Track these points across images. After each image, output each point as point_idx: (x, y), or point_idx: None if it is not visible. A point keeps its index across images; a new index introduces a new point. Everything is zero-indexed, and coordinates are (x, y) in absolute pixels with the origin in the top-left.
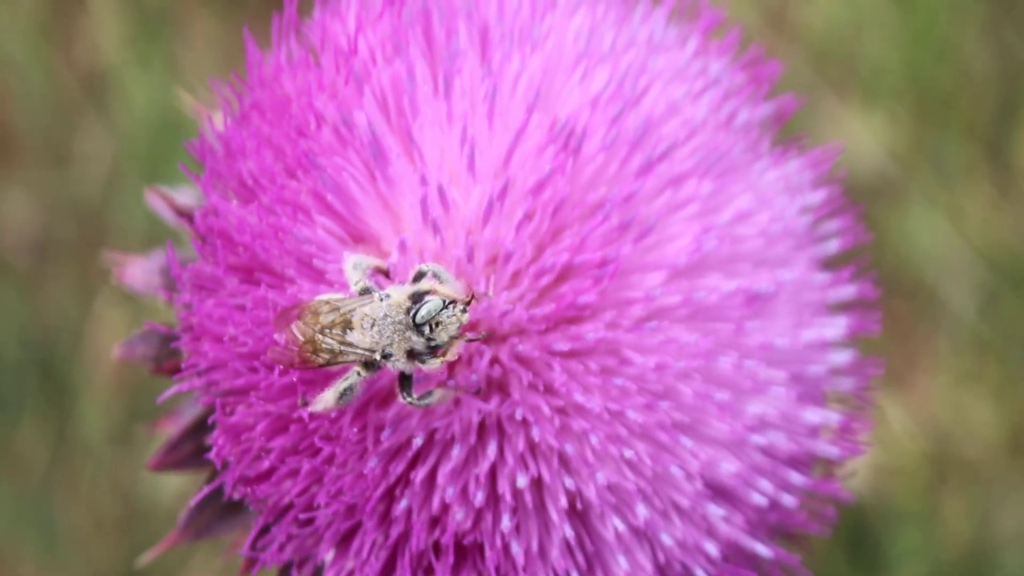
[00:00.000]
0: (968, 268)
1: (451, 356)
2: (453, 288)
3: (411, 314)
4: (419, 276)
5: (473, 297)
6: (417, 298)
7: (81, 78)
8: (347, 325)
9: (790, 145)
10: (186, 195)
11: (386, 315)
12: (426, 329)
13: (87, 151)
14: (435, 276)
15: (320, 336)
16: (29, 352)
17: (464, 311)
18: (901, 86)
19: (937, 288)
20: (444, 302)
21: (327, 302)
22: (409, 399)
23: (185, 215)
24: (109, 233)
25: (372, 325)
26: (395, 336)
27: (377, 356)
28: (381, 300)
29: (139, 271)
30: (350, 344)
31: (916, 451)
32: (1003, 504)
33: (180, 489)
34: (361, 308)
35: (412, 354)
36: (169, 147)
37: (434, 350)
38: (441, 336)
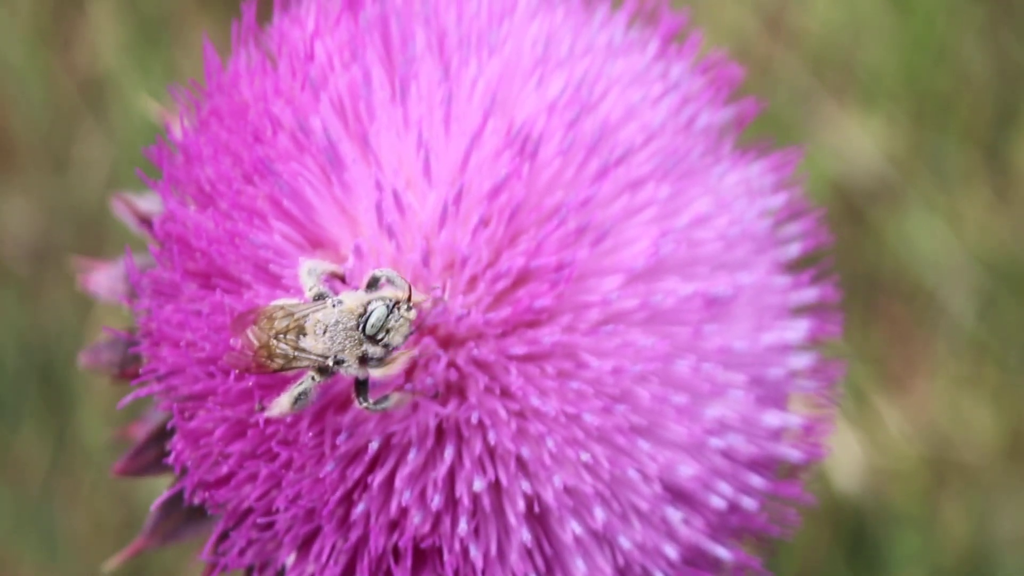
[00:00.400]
0: (967, 272)
1: (396, 368)
2: (403, 290)
3: (361, 326)
4: (373, 282)
5: (415, 297)
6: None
7: (80, 84)
8: (301, 331)
9: (751, 149)
10: (150, 202)
11: (338, 321)
12: (379, 335)
13: (86, 157)
14: (389, 281)
15: (274, 341)
16: (29, 358)
17: (410, 309)
18: (899, 90)
19: (936, 292)
20: (387, 305)
21: (282, 307)
22: (365, 404)
23: (147, 221)
24: (108, 239)
25: (324, 331)
26: (347, 342)
27: (330, 362)
28: (333, 306)
29: (104, 278)
30: (303, 350)
31: (915, 455)
32: (1002, 508)
33: None
34: (314, 314)
35: (364, 360)
36: None
37: (384, 357)
38: (395, 339)
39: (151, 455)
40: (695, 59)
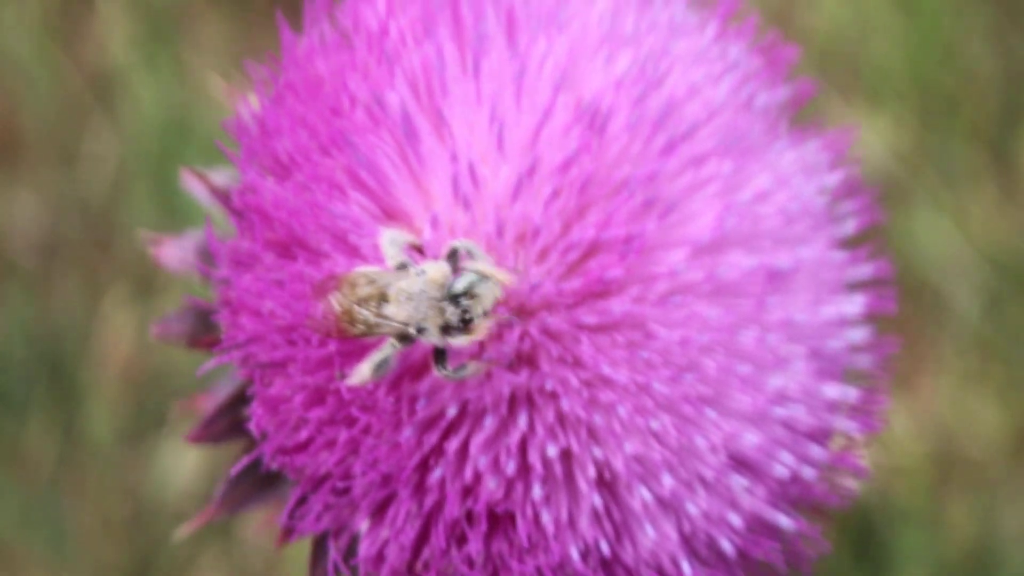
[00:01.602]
0: (973, 270)
1: (478, 335)
2: (485, 264)
3: (447, 287)
4: (452, 253)
5: (502, 276)
6: (454, 273)
7: (88, 79)
8: (383, 298)
9: (807, 127)
10: (221, 175)
11: (422, 290)
12: (462, 300)
13: (94, 152)
14: (468, 253)
15: (357, 308)
16: (36, 352)
17: (498, 285)
18: (906, 89)
19: (942, 290)
20: (479, 275)
21: (364, 275)
22: (444, 372)
23: (220, 194)
24: (116, 234)
25: (408, 299)
26: (430, 311)
27: (412, 330)
28: (417, 276)
29: (175, 250)
30: (385, 317)
31: (920, 452)
32: (1007, 505)
33: (187, 489)
34: (397, 283)
35: (446, 329)
36: (176, 149)
37: (466, 325)
38: (476, 309)
39: (222, 424)
40: (752, 40)
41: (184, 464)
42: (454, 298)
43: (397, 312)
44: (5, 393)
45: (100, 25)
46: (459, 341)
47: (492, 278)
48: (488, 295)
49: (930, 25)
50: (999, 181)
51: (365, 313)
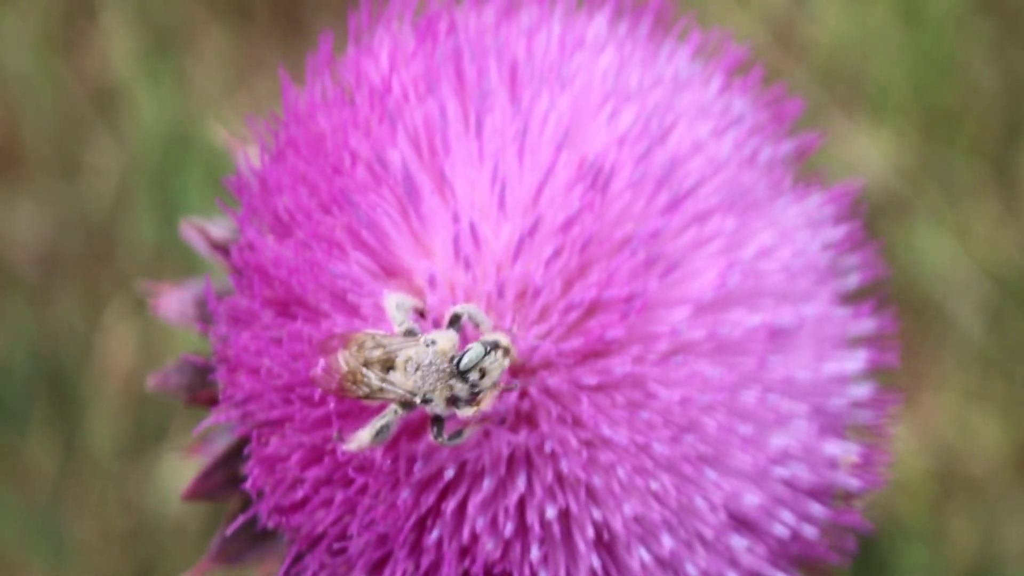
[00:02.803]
0: (974, 285)
1: (485, 406)
2: (488, 329)
3: (455, 361)
4: (455, 318)
5: (507, 345)
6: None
7: (91, 92)
8: (390, 364)
9: (812, 181)
10: (220, 227)
11: (431, 362)
12: (471, 376)
13: (96, 165)
14: (470, 318)
15: (364, 369)
16: (37, 364)
17: (506, 355)
18: (908, 103)
19: (943, 305)
20: (486, 348)
21: (373, 337)
22: (441, 439)
23: (219, 248)
24: (117, 247)
25: (416, 369)
26: (438, 383)
27: (417, 400)
28: (427, 346)
29: (175, 302)
30: (391, 383)
31: (922, 468)
32: (1009, 521)
33: (188, 504)
34: (406, 350)
35: (451, 400)
36: (178, 162)
37: (474, 396)
38: (484, 383)
39: (218, 479)
40: (756, 93)
41: (184, 477)
42: (462, 373)
43: (404, 380)
44: (6, 405)
45: (102, 38)
46: (465, 412)
47: (498, 349)
48: (496, 369)
49: (932, 40)
50: (1001, 196)
51: (371, 376)
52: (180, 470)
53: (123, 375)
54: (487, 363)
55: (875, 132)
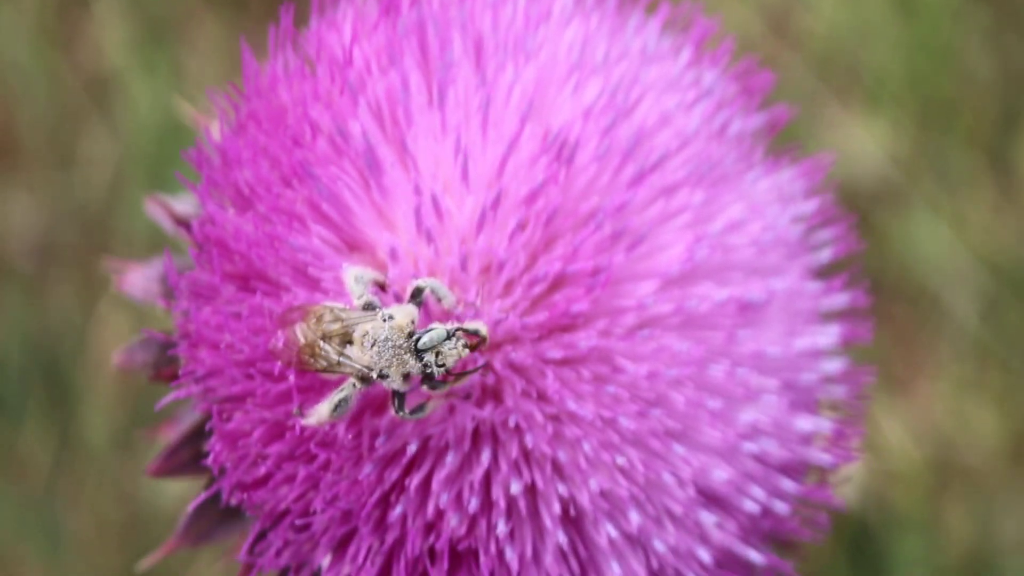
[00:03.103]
0: (970, 275)
1: (444, 390)
2: (450, 304)
3: (413, 339)
4: (416, 292)
5: (481, 340)
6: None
7: (85, 82)
8: (347, 338)
9: (783, 155)
10: (185, 203)
11: (387, 338)
12: (426, 356)
13: (91, 155)
14: (433, 292)
15: (321, 343)
16: (32, 356)
17: (466, 346)
18: (904, 93)
19: (939, 295)
20: (448, 332)
21: (331, 310)
22: (401, 413)
23: (183, 223)
24: (113, 237)
25: (372, 344)
26: (394, 359)
27: (373, 375)
28: (384, 321)
29: (139, 278)
30: (348, 357)
31: (918, 458)
32: (1005, 511)
33: (182, 494)
34: (363, 324)
35: (407, 377)
36: (173, 152)
37: (429, 378)
38: (439, 367)
39: (184, 455)
40: (727, 66)
41: None
42: (419, 352)
43: (360, 355)
44: (0, 397)
45: (97, 28)
46: (436, 391)
47: (459, 337)
48: (452, 357)
49: (928, 29)
50: (997, 185)
51: (328, 350)
52: None
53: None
54: (445, 348)
55: (871, 121)
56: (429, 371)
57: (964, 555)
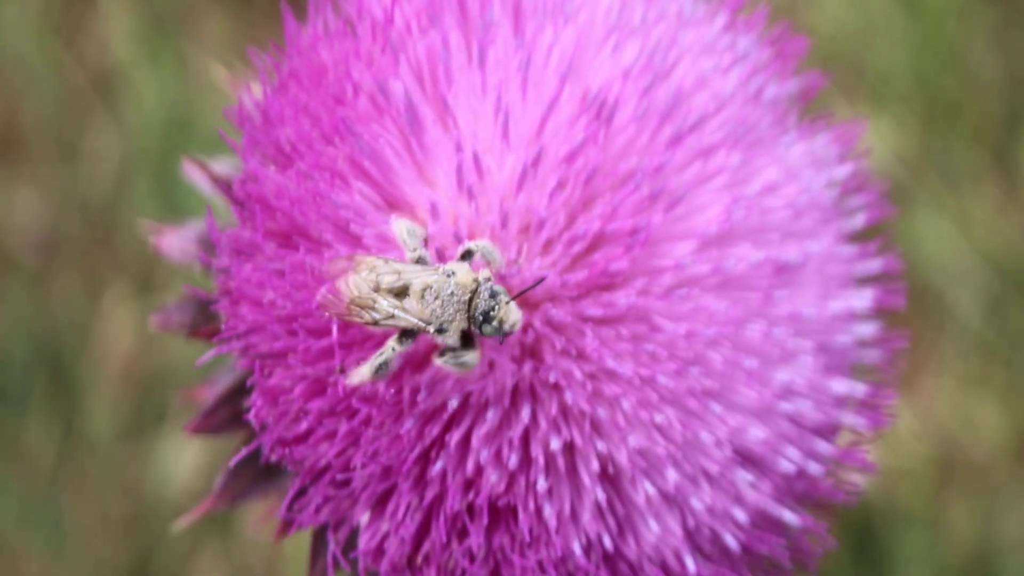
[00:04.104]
0: (974, 273)
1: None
2: (499, 267)
3: (477, 297)
4: (467, 254)
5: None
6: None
7: (90, 76)
8: (402, 291)
9: (816, 120)
10: (222, 164)
11: (452, 293)
12: (482, 317)
13: (96, 149)
14: (484, 256)
15: (374, 295)
16: (37, 349)
17: (509, 302)
18: (909, 91)
19: (943, 292)
20: (495, 292)
21: (386, 262)
22: (445, 359)
23: (221, 183)
24: (117, 231)
25: (436, 298)
26: (456, 315)
27: (431, 328)
28: (448, 276)
29: (176, 240)
30: (403, 310)
31: (922, 454)
32: (1008, 508)
33: (186, 486)
34: (424, 278)
35: (463, 332)
36: (178, 146)
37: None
38: (487, 329)
39: (223, 415)
40: (762, 31)
41: (183, 461)
42: (484, 315)
43: (420, 309)
44: (5, 390)
45: (102, 22)
46: (489, 333)
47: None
48: (514, 313)
49: (933, 28)
50: (1001, 184)
51: (384, 303)
52: (179, 454)
53: (122, 359)
54: (505, 314)
55: (876, 120)
56: (489, 326)
57: (967, 551)
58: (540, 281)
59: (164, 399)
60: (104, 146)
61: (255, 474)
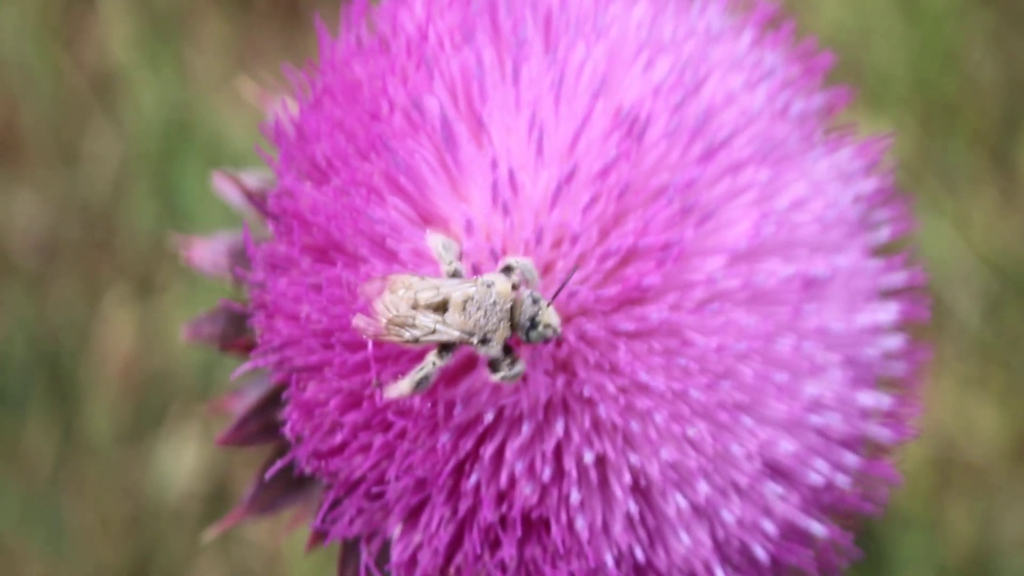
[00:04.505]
0: (973, 275)
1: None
2: (536, 286)
3: (521, 304)
4: (507, 270)
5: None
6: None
7: (90, 79)
8: (443, 306)
9: (841, 135)
10: (252, 178)
11: (495, 302)
12: (528, 323)
13: (95, 152)
14: (523, 273)
15: (414, 313)
16: (36, 351)
17: (548, 305)
18: (907, 94)
19: (942, 294)
20: (534, 299)
21: (422, 278)
22: (503, 374)
23: (254, 197)
24: (117, 234)
25: (478, 309)
26: (500, 323)
27: (474, 340)
28: (488, 287)
29: (207, 252)
30: (447, 324)
31: (920, 455)
32: (1007, 509)
33: (187, 488)
34: (464, 290)
35: (505, 342)
36: (177, 149)
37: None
38: (533, 335)
39: (253, 427)
40: (788, 47)
41: (183, 463)
42: (531, 320)
43: (462, 321)
44: (5, 392)
45: (101, 25)
46: (534, 338)
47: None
48: (554, 318)
49: (931, 30)
50: (1000, 186)
51: (424, 320)
52: (179, 456)
53: (121, 362)
54: (547, 317)
55: (875, 122)
56: (536, 331)
57: (966, 553)
58: (574, 271)
59: (163, 401)
60: (103, 149)
61: (285, 485)
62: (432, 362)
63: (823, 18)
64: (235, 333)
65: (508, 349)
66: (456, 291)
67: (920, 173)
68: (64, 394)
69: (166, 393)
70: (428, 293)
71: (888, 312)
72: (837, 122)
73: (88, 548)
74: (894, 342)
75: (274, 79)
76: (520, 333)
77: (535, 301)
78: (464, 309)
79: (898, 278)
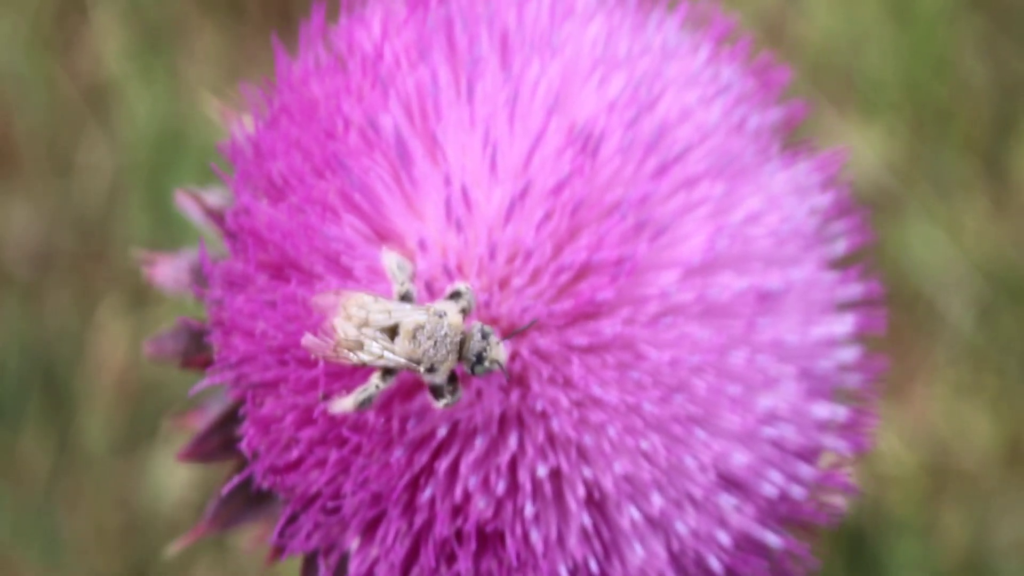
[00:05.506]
0: (966, 280)
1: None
2: (470, 310)
3: (470, 339)
4: (455, 295)
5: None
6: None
7: (83, 89)
8: (393, 330)
9: (799, 149)
10: (215, 195)
11: (446, 334)
12: (475, 358)
13: (89, 162)
14: (467, 304)
15: (365, 338)
16: (31, 362)
17: (498, 343)
18: (899, 100)
19: (935, 300)
20: (483, 333)
21: (376, 300)
22: (445, 402)
23: (214, 215)
24: (110, 245)
25: (429, 338)
26: (449, 355)
27: (421, 368)
28: (440, 317)
29: (170, 270)
30: (393, 352)
31: (914, 462)
32: (1001, 515)
33: (181, 498)
34: (415, 317)
35: (451, 376)
36: (171, 159)
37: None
38: (478, 369)
39: (214, 442)
40: (745, 62)
41: (178, 474)
42: (477, 356)
43: (411, 349)
44: None
45: (94, 36)
46: (480, 371)
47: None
48: (501, 351)
49: (923, 36)
50: (991, 192)
51: (375, 345)
52: (173, 467)
53: (116, 372)
54: (495, 353)
55: (866, 128)
56: (481, 367)
57: (960, 559)
58: (532, 324)
59: (158, 412)
60: (97, 159)
61: (246, 500)
62: (375, 384)
63: (815, 25)
64: (197, 350)
65: (452, 377)
66: (408, 318)
67: (912, 179)
68: (59, 404)
69: (161, 403)
70: (380, 316)
71: (844, 324)
72: (816, 131)
73: (83, 558)
74: (850, 354)
75: (240, 96)
76: (466, 366)
77: (484, 336)
78: (414, 337)
79: (854, 290)
